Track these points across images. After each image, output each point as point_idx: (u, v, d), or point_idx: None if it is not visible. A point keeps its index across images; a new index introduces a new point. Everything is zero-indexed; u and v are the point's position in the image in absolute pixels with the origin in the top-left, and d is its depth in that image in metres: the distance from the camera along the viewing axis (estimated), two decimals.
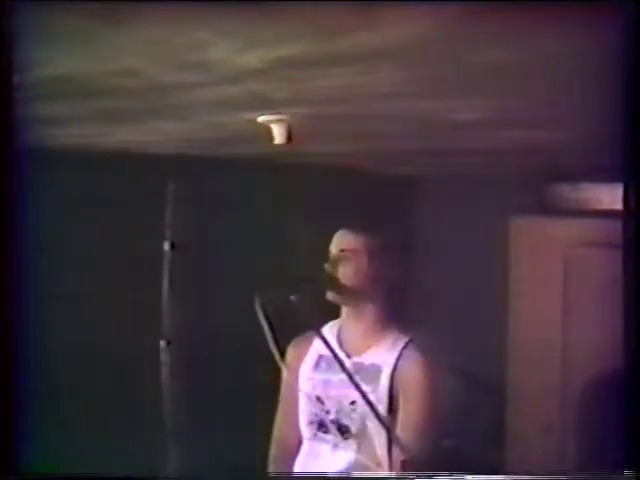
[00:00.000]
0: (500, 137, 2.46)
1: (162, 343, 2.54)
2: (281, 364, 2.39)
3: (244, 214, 3.34)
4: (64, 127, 2.30)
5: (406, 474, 2.20)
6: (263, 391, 2.70)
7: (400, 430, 2.26)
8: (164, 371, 2.50)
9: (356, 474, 2.33)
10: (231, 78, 1.49)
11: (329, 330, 2.47)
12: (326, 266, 2.36)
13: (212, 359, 3.03)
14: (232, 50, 1.25)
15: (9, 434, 1.43)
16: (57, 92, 1.66)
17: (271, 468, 2.54)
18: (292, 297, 2.24)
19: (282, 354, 2.50)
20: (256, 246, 3.35)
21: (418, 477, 2.18)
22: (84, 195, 2.94)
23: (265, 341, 2.21)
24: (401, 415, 2.29)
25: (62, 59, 1.34)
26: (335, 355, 2.15)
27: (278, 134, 1.97)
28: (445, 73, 1.44)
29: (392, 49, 1.23)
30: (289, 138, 1.97)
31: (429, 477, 2.18)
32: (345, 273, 2.34)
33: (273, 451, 2.56)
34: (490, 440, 3.76)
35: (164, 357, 2.49)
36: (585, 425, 3.50)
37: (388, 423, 2.21)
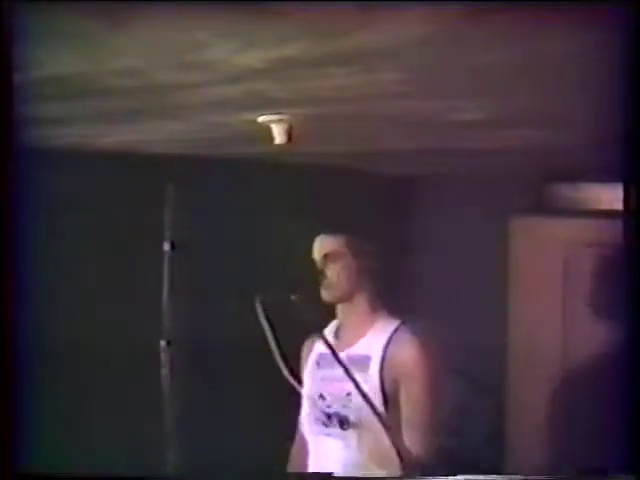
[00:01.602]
0: (500, 137, 2.46)
1: (162, 343, 2.54)
2: (281, 363, 2.41)
3: (244, 214, 3.33)
4: (64, 127, 2.30)
5: (406, 474, 2.21)
6: (263, 391, 2.70)
7: (406, 415, 2.31)
8: (164, 371, 2.50)
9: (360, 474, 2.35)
10: (231, 78, 1.49)
11: (330, 329, 2.56)
12: (314, 271, 2.44)
13: (212, 359, 3.03)
14: (232, 50, 1.25)
15: (9, 434, 1.43)
16: (57, 92, 1.66)
17: (289, 464, 2.62)
18: (292, 297, 2.26)
19: (282, 353, 2.52)
20: (256, 246, 3.35)
21: (418, 477, 2.18)
22: (83, 195, 2.93)
23: (265, 341, 2.22)
24: (403, 399, 2.33)
25: (62, 59, 1.34)
26: (332, 350, 2.23)
27: (278, 134, 1.97)
28: (445, 73, 1.44)
29: (392, 49, 1.23)
30: (289, 138, 1.97)
31: (429, 477, 2.18)
32: (333, 274, 2.42)
33: (293, 449, 2.64)
34: (490, 440, 3.76)
35: (164, 357, 2.49)
36: (585, 426, 3.50)
37: (383, 413, 2.26)
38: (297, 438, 2.63)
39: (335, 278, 2.42)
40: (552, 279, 3.71)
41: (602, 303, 3.42)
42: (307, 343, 2.58)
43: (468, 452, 3.57)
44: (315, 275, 2.43)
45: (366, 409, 2.28)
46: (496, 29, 1.10)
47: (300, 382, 2.53)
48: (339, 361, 2.22)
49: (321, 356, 2.49)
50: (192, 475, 2.59)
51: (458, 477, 2.09)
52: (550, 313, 3.71)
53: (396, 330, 2.40)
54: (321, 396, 2.44)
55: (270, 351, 2.31)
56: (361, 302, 2.45)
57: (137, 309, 2.90)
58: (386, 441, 2.25)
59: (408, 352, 2.34)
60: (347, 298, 2.45)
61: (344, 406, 2.36)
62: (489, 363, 3.67)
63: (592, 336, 3.44)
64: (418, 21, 1.07)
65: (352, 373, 2.20)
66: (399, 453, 2.25)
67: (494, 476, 2.12)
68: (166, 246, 2.62)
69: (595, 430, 3.30)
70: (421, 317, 2.70)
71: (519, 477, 2.12)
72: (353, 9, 1.01)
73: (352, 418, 2.34)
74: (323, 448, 2.46)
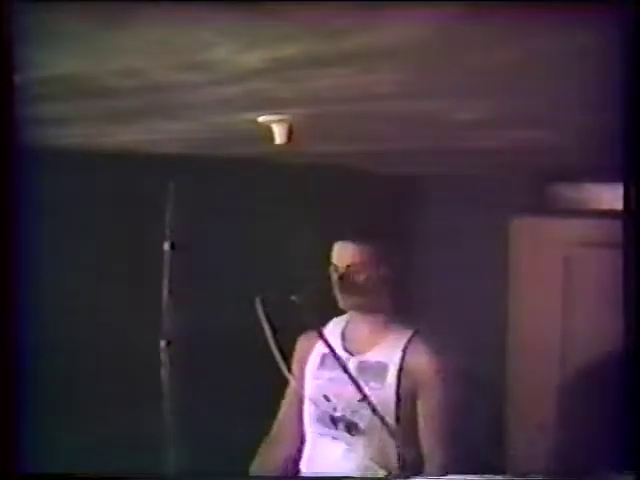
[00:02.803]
0: (500, 137, 2.46)
1: (162, 343, 2.54)
2: (281, 364, 2.40)
3: (244, 214, 3.34)
4: (64, 127, 2.30)
5: (407, 475, 2.21)
6: (263, 391, 2.70)
7: (425, 423, 2.31)
8: (164, 371, 2.50)
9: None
10: (231, 78, 1.49)
11: (333, 327, 2.50)
12: (334, 279, 2.39)
13: (212, 359, 3.03)
14: (233, 50, 1.24)
15: (9, 434, 1.43)
16: (57, 92, 1.66)
17: (259, 466, 2.57)
18: (293, 297, 2.25)
19: (283, 354, 2.51)
20: (256, 246, 3.35)
21: (418, 478, 2.18)
22: (84, 195, 2.94)
23: (266, 341, 2.21)
24: (423, 408, 2.31)
25: (62, 59, 1.34)
26: (335, 355, 2.17)
27: (278, 134, 1.97)
28: (445, 73, 1.44)
29: (392, 49, 1.23)
30: (289, 138, 1.97)
31: (430, 478, 2.18)
32: (355, 284, 2.38)
33: (268, 450, 2.59)
34: (490, 440, 3.76)
35: (164, 357, 2.49)
36: (585, 425, 3.50)
37: (393, 421, 2.23)
38: (275, 429, 2.56)
39: (357, 288, 2.37)
40: (552, 279, 3.71)
41: (602, 303, 3.42)
42: (303, 339, 2.53)
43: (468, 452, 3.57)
44: (333, 284, 2.40)
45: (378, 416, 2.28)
46: (496, 29, 1.10)
47: (302, 380, 2.51)
48: (344, 369, 2.17)
49: (327, 356, 2.44)
50: (192, 475, 2.59)
51: (458, 477, 2.09)
52: (550, 313, 3.71)
53: (411, 339, 2.36)
54: (326, 397, 2.40)
55: (270, 351, 2.30)
56: (377, 310, 2.42)
57: (137, 309, 2.90)
58: (392, 447, 2.23)
59: (427, 361, 2.32)
60: (365, 307, 2.42)
61: (354, 412, 2.31)
62: (489, 363, 3.67)
63: (592, 336, 3.44)
64: (418, 21, 1.07)
65: (356, 378, 2.15)
66: (403, 460, 2.24)
67: (494, 476, 2.11)
68: (166, 246, 2.62)
69: (595, 429, 3.30)
70: (421, 317, 2.69)
71: (519, 477, 2.12)
72: (353, 9, 1.01)
73: (362, 425, 2.30)
74: (324, 449, 2.42)
